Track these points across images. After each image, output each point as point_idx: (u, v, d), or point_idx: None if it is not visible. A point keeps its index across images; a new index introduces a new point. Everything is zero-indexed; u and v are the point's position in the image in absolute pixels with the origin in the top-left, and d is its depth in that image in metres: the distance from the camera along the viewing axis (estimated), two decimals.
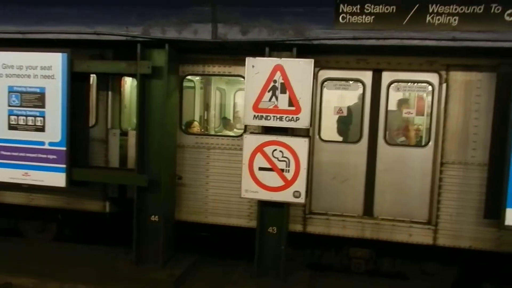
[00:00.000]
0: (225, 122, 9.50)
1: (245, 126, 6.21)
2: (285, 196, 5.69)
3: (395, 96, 7.11)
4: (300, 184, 5.63)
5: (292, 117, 5.54)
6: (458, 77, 5.87)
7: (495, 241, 5.85)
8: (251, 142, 5.73)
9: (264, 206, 5.89)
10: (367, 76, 6.20)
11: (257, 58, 5.58)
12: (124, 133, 7.06)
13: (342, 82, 6.49)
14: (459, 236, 5.96)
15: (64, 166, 6.24)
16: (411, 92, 7.05)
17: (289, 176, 5.65)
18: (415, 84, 6.38)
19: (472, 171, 5.88)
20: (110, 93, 6.87)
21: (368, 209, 6.32)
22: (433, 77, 5.99)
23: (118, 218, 7.26)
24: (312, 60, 5.45)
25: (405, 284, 6.46)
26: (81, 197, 6.95)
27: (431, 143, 6.09)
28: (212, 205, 6.62)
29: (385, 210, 6.27)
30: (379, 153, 6.24)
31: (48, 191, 6.86)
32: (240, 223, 6.55)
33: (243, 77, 5.78)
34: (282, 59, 5.54)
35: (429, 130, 6.16)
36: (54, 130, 6.22)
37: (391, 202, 6.25)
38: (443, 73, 5.90)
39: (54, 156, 6.26)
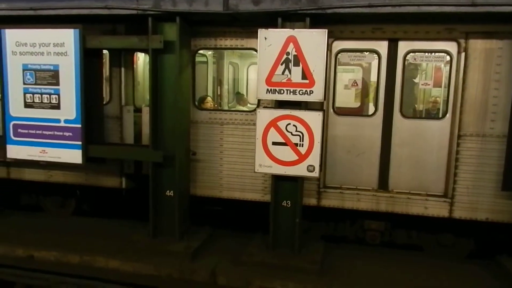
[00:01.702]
0: (238, 97, 9.45)
1: (258, 100, 6.16)
2: (299, 170, 5.66)
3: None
4: (314, 158, 5.58)
5: (306, 91, 5.44)
6: (477, 45, 5.66)
7: None
8: (264, 116, 5.67)
9: (278, 180, 5.89)
10: (382, 46, 6.04)
11: (270, 29, 5.44)
12: (138, 110, 7.08)
13: (357, 53, 6.37)
14: (475, 208, 5.90)
15: (80, 143, 6.30)
16: (429, 62, 6.90)
17: (303, 150, 5.60)
18: (432, 54, 6.23)
19: (491, 143, 5.76)
20: (123, 69, 6.86)
21: (383, 182, 6.29)
22: (451, 46, 5.80)
23: (134, 193, 7.38)
24: (326, 31, 5.29)
25: (420, 255, 6.46)
26: (98, 173, 7.06)
27: (448, 115, 5.97)
28: (227, 180, 6.66)
29: (400, 183, 6.23)
30: (395, 126, 6.15)
31: (66, 168, 6.99)
32: (255, 197, 6.59)
33: (256, 50, 5.68)
34: (295, 30, 5.40)
35: (446, 101, 6.01)
36: (69, 107, 6.25)
37: (406, 175, 6.20)
38: (462, 41, 5.71)
39: (70, 133, 6.32)
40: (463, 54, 5.72)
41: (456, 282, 5.62)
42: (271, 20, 5.56)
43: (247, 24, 6.08)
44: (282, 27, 5.56)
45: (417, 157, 6.12)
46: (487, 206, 5.86)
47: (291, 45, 5.41)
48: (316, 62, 5.37)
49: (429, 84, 7.28)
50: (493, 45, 5.62)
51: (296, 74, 5.44)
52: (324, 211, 6.54)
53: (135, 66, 7.20)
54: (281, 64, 5.47)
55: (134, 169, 7.04)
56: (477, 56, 5.69)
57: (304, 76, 5.42)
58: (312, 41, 5.35)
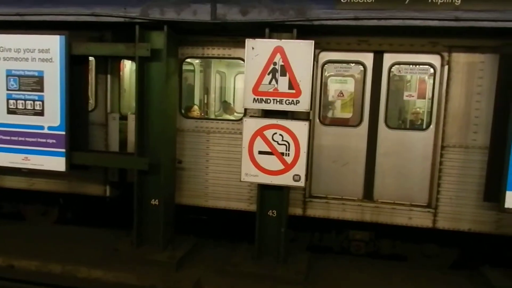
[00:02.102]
0: (225, 106, 9.43)
1: (245, 109, 6.16)
2: (285, 179, 5.67)
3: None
4: (300, 168, 5.60)
5: (292, 100, 5.47)
6: (460, 59, 5.80)
7: (494, 223, 5.88)
8: (251, 125, 5.68)
9: (264, 189, 5.88)
10: (368, 58, 6.14)
11: (257, 39, 5.48)
12: (123, 117, 7.03)
13: (344, 64, 6.45)
14: (458, 219, 5.98)
15: (63, 150, 6.22)
16: (413, 74, 7.02)
17: (289, 159, 5.62)
18: (417, 66, 6.33)
19: (473, 154, 5.86)
20: (109, 76, 6.84)
21: (368, 192, 6.34)
22: (435, 59, 5.93)
23: (118, 201, 7.29)
24: (313, 42, 5.35)
25: (404, 266, 6.50)
26: (81, 181, 6.97)
27: (432, 127, 6.07)
28: (212, 189, 6.63)
29: (385, 194, 6.29)
30: (380, 136, 6.22)
31: (49, 176, 6.87)
32: (240, 206, 6.58)
33: (243, 60, 5.70)
34: (282, 40, 5.45)
35: (430, 113, 6.12)
36: (53, 114, 6.18)
37: (391, 185, 6.26)
38: (445, 54, 5.84)
39: (54, 140, 6.24)
40: (446, 67, 5.85)
41: None
42: (259, 30, 5.60)
43: (235, 34, 6.12)
44: (270, 37, 5.60)
45: (402, 167, 6.19)
46: (470, 216, 5.95)
47: (278, 55, 5.45)
48: (303, 73, 5.41)
49: (413, 96, 7.39)
50: (475, 59, 5.75)
51: (282, 84, 5.48)
52: (310, 221, 6.55)
53: (121, 73, 7.15)
54: (268, 74, 5.50)
55: (118, 177, 6.96)
56: (460, 70, 5.81)
57: (290, 86, 5.46)
58: (299, 51, 5.40)
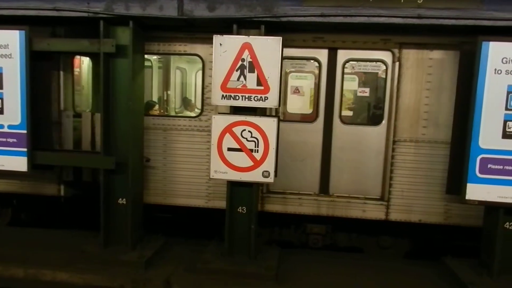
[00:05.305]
0: (186, 102, 9.29)
1: (202, 106, 6.14)
2: (254, 176, 5.66)
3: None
4: (269, 164, 5.62)
5: (261, 97, 5.48)
6: (410, 55, 6.02)
7: (443, 214, 6.15)
8: (219, 122, 5.63)
9: (233, 186, 5.85)
10: (323, 55, 6.28)
11: (225, 35, 5.44)
12: (78, 115, 6.76)
13: (303, 60, 6.61)
14: (409, 211, 6.22)
15: (25, 149, 5.90)
16: (366, 71, 7.35)
17: (258, 156, 5.62)
18: (370, 63, 6.59)
19: (423, 148, 6.12)
20: (61, 73, 6.53)
21: (324, 187, 6.50)
22: (386, 56, 6.13)
23: (74, 201, 7.01)
24: (281, 38, 5.36)
25: (370, 258, 6.65)
26: (35, 181, 6.68)
27: (384, 122, 6.29)
28: (171, 186, 6.58)
29: (340, 188, 6.47)
30: (335, 132, 6.39)
31: (1, 176, 6.51)
32: (199, 203, 6.57)
33: (201, 57, 5.73)
34: (250, 37, 5.44)
35: (382, 108, 6.34)
36: (13, 113, 5.84)
37: (346, 180, 6.44)
38: (396, 51, 6.04)
39: (14, 140, 5.89)
40: (397, 64, 6.08)
41: (411, 283, 5.81)
42: (226, 26, 5.60)
43: (203, 30, 6.07)
44: (238, 33, 5.59)
45: (356, 162, 6.39)
46: (420, 208, 6.20)
47: (246, 52, 5.43)
48: (271, 69, 5.41)
49: (366, 92, 7.69)
50: (424, 55, 6.02)
51: (251, 80, 5.47)
52: (270, 216, 6.61)
53: (79, 70, 6.87)
54: (236, 70, 5.47)
55: (73, 176, 6.70)
56: (410, 66, 6.06)
57: (259, 83, 5.46)
58: (267, 48, 5.39)
